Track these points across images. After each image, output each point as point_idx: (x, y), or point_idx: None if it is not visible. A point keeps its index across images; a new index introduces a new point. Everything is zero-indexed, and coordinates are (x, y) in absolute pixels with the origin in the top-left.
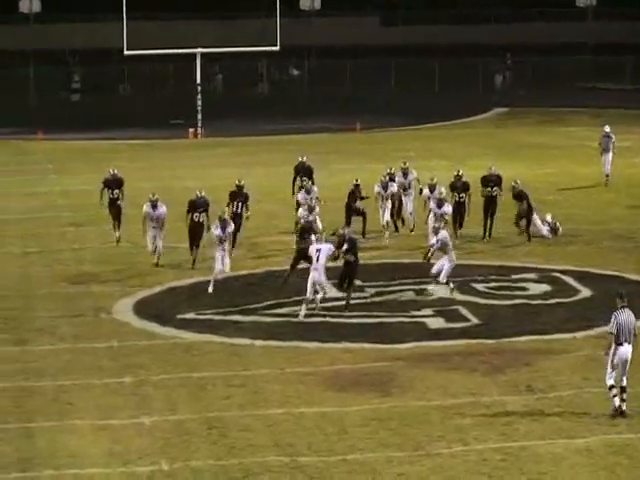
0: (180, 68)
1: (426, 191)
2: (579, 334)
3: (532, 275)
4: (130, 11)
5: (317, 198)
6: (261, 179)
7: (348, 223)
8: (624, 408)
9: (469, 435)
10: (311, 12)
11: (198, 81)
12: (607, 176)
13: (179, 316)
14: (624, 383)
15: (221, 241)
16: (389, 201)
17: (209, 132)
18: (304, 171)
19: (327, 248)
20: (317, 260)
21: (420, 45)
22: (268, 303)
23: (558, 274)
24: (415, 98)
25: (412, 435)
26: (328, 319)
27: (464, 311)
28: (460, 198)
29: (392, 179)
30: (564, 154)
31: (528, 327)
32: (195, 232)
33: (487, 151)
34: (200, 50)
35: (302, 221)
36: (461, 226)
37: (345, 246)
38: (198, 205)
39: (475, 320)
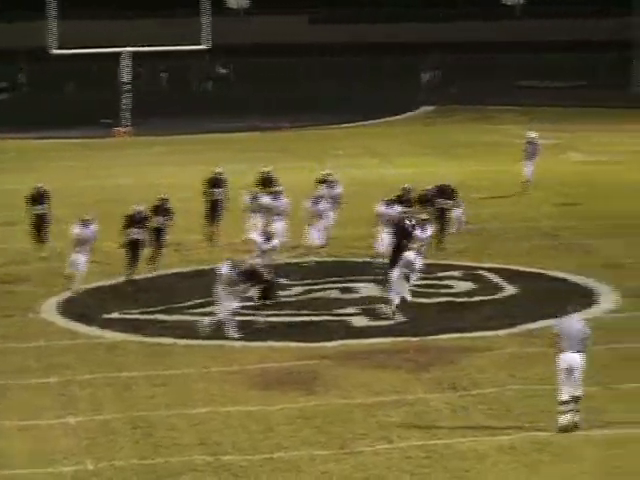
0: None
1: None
2: (503, 332)
3: (457, 273)
4: (58, 9)
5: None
6: (193, 178)
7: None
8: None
9: (393, 433)
10: (240, 11)
11: (125, 80)
12: (527, 182)
13: (104, 316)
14: (575, 393)
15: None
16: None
17: (141, 131)
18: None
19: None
20: None
21: (348, 43)
22: (194, 302)
23: (483, 272)
24: (344, 96)
25: (336, 433)
26: (253, 318)
27: (387, 309)
28: (445, 204)
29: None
30: (494, 152)
31: (453, 325)
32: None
33: (417, 149)
34: (127, 49)
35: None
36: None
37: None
38: (136, 220)
39: (400, 318)
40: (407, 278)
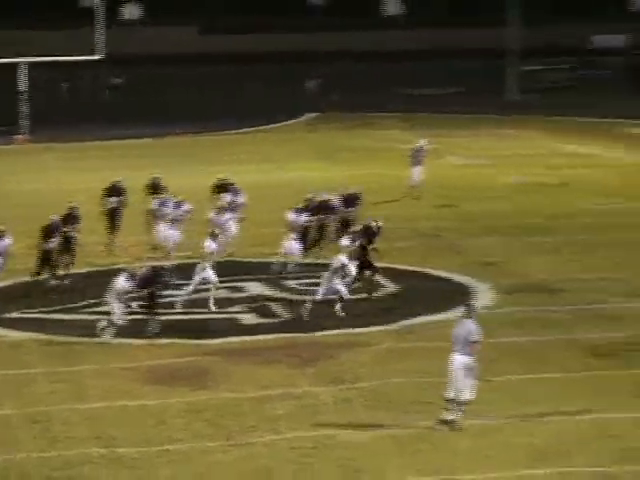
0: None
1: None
2: (383, 328)
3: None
4: None
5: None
6: (91, 182)
7: None
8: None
9: (280, 425)
10: (133, 22)
11: (22, 89)
12: (414, 187)
13: (5, 315)
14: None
15: None
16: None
17: (40, 138)
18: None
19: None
20: None
21: (236, 53)
22: (90, 302)
23: (367, 271)
24: (232, 104)
25: (226, 425)
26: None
27: (275, 307)
28: (348, 213)
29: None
30: (375, 156)
31: (336, 322)
32: (47, 258)
33: (302, 154)
34: (22, 60)
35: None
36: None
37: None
38: (54, 229)
39: (286, 316)
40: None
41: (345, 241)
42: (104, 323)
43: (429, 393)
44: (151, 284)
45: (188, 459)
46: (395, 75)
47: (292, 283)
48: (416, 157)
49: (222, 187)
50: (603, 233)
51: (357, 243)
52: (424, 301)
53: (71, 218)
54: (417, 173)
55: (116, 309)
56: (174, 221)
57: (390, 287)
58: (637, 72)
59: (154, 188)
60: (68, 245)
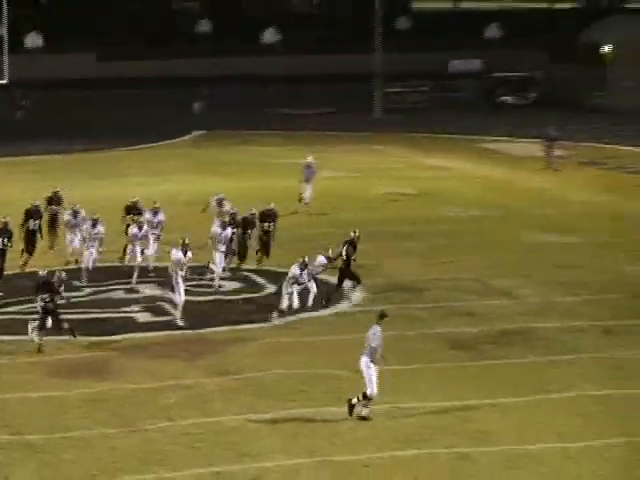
0: None
1: (215, 228)
2: (265, 324)
3: (226, 274)
4: None
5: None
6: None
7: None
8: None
9: (173, 413)
10: (35, 49)
11: None
12: (302, 200)
13: None
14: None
15: None
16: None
17: None
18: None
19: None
20: None
21: (131, 78)
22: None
23: (248, 273)
24: (128, 123)
25: (124, 414)
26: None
27: (168, 307)
28: (268, 227)
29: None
30: (255, 170)
31: (223, 319)
32: (29, 239)
33: (190, 168)
34: None
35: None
36: (268, 255)
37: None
38: (34, 213)
39: (177, 314)
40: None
41: (321, 259)
42: (35, 324)
43: (307, 383)
44: (50, 287)
45: (90, 444)
46: (273, 96)
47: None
48: (305, 174)
49: (132, 208)
50: (460, 238)
51: (341, 251)
52: (303, 300)
53: (3, 232)
54: (308, 190)
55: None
56: (86, 237)
57: (271, 287)
58: (488, 93)
59: (53, 200)
60: (2, 258)
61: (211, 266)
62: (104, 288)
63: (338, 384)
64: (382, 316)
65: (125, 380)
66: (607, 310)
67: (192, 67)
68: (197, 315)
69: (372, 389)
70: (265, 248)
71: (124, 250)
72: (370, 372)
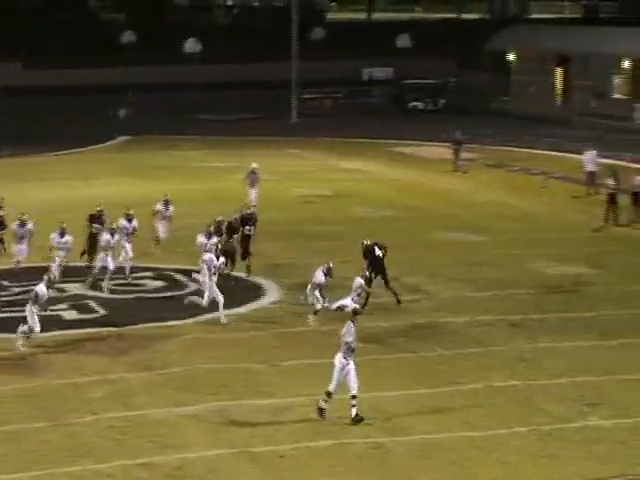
0: None
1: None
2: (188, 321)
3: (149, 273)
4: None
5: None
6: None
7: None
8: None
9: (98, 407)
10: None
11: None
12: (254, 206)
13: None
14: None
15: None
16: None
17: None
18: None
19: None
20: None
21: (57, 86)
22: None
23: (171, 272)
24: (56, 130)
25: (52, 408)
26: None
27: (93, 304)
28: (249, 231)
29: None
30: (179, 174)
31: (147, 316)
32: None
33: (117, 172)
34: None
35: None
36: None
37: None
38: None
39: (103, 312)
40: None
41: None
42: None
43: (229, 378)
44: None
45: (19, 438)
46: (195, 104)
47: (107, 283)
48: (251, 179)
49: (95, 217)
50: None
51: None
52: (224, 297)
53: None
54: (253, 194)
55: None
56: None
57: (193, 285)
58: (400, 99)
59: None
60: None
61: (195, 275)
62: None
63: (258, 378)
64: (355, 313)
65: (53, 376)
66: (513, 305)
67: (117, 75)
68: (124, 312)
69: (334, 386)
70: (246, 252)
71: (87, 253)
72: (348, 369)
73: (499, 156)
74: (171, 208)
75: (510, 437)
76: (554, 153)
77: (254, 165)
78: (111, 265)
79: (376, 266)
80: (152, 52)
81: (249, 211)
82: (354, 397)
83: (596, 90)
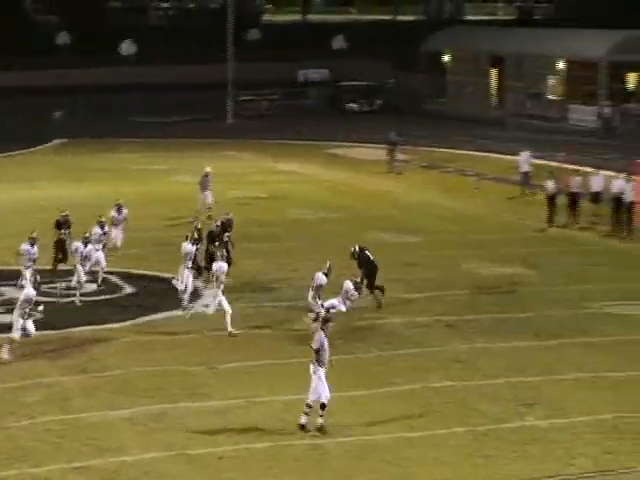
0: None
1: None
2: (125, 324)
3: (86, 277)
4: None
5: None
6: None
7: None
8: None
9: (35, 410)
10: None
11: None
12: (209, 207)
13: None
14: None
15: None
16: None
17: None
18: None
19: None
20: None
21: None
22: None
23: (107, 275)
24: None
25: None
26: None
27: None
28: (229, 237)
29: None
30: (115, 176)
31: (84, 319)
32: None
33: (53, 175)
34: None
35: None
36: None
37: None
38: None
39: (39, 315)
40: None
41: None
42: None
43: (165, 380)
44: None
45: None
46: (131, 106)
47: (45, 287)
48: (204, 183)
49: (61, 222)
50: (308, 239)
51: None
52: (159, 300)
53: None
54: (209, 196)
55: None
56: None
57: (128, 289)
58: (335, 101)
59: None
60: None
61: (174, 282)
62: None
63: (194, 380)
64: (325, 320)
65: None
66: (449, 306)
67: (52, 77)
68: (61, 315)
69: (313, 397)
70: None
71: (55, 259)
72: (316, 378)
73: (433, 157)
74: (124, 212)
75: (447, 437)
76: (488, 154)
77: (208, 169)
78: (83, 276)
79: (371, 270)
80: (87, 54)
81: (228, 217)
82: (323, 406)
83: (530, 91)
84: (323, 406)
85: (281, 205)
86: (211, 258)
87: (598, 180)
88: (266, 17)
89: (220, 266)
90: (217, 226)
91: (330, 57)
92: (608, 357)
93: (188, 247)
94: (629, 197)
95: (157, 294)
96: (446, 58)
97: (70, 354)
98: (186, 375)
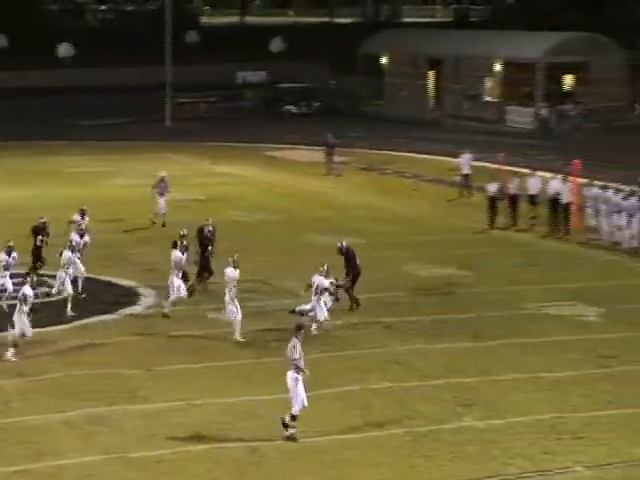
0: None
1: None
2: (63, 327)
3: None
4: None
5: None
6: None
7: None
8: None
9: None
10: None
11: None
12: (164, 214)
13: None
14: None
15: None
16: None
17: None
18: None
19: None
20: None
21: None
22: None
23: (47, 278)
24: None
25: None
26: None
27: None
28: (209, 247)
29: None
30: (54, 179)
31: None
32: None
33: (1, 177)
34: None
35: None
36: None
37: None
38: None
39: None
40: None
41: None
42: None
43: (103, 383)
44: None
45: None
46: (69, 108)
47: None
48: (160, 188)
49: (39, 228)
50: (247, 241)
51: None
52: (99, 303)
53: None
54: (163, 202)
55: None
56: None
57: (68, 292)
58: (273, 103)
59: None
60: None
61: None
62: None
63: (132, 383)
64: (299, 328)
65: None
66: (387, 307)
67: None
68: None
69: (297, 407)
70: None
71: (33, 265)
72: (297, 388)
73: (372, 159)
74: (87, 218)
75: (385, 439)
76: (426, 156)
77: (163, 174)
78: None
79: (356, 270)
80: (24, 56)
81: (210, 228)
82: (294, 417)
83: (468, 93)
84: (294, 417)
85: (219, 207)
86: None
87: (535, 182)
88: (204, 19)
89: (231, 271)
90: (209, 232)
91: (268, 59)
92: (545, 358)
93: (177, 255)
94: (566, 198)
95: (97, 297)
96: (384, 60)
97: (6, 357)
98: (124, 378)
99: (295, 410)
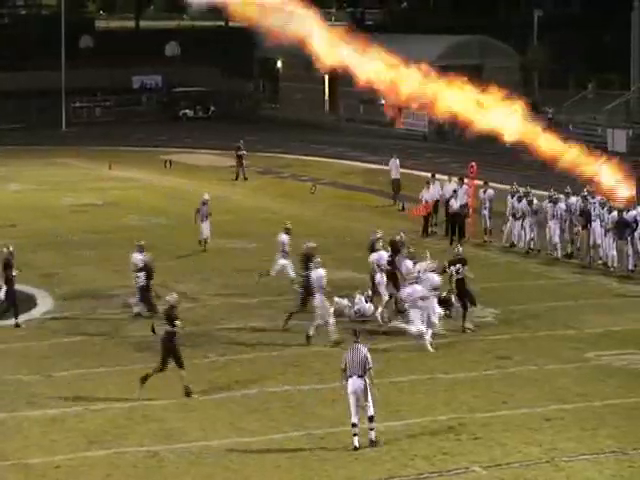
0: None
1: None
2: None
3: None
4: None
5: None
6: None
7: None
8: (356, 444)
9: None
10: None
11: None
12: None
13: None
14: (369, 412)
15: None
16: None
17: None
18: None
19: None
20: None
21: None
22: None
23: None
24: None
25: None
26: None
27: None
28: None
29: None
30: None
31: None
32: None
33: None
34: None
35: None
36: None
37: None
38: None
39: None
40: None
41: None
42: None
43: (3, 389)
44: None
45: None
46: None
47: None
48: (202, 211)
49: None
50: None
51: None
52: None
53: None
54: (205, 227)
55: None
56: None
57: None
58: (169, 107)
59: None
60: None
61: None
62: None
63: (30, 389)
64: (356, 334)
65: None
66: (284, 310)
67: None
68: None
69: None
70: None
71: None
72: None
73: (269, 162)
74: None
75: (283, 441)
76: (322, 159)
77: (206, 196)
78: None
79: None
80: None
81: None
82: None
83: (363, 97)
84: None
85: (116, 212)
86: None
87: (434, 188)
88: (99, 24)
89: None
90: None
91: (164, 63)
92: (442, 359)
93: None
94: (461, 200)
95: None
96: (279, 64)
97: None
98: (21, 384)
99: (373, 411)
